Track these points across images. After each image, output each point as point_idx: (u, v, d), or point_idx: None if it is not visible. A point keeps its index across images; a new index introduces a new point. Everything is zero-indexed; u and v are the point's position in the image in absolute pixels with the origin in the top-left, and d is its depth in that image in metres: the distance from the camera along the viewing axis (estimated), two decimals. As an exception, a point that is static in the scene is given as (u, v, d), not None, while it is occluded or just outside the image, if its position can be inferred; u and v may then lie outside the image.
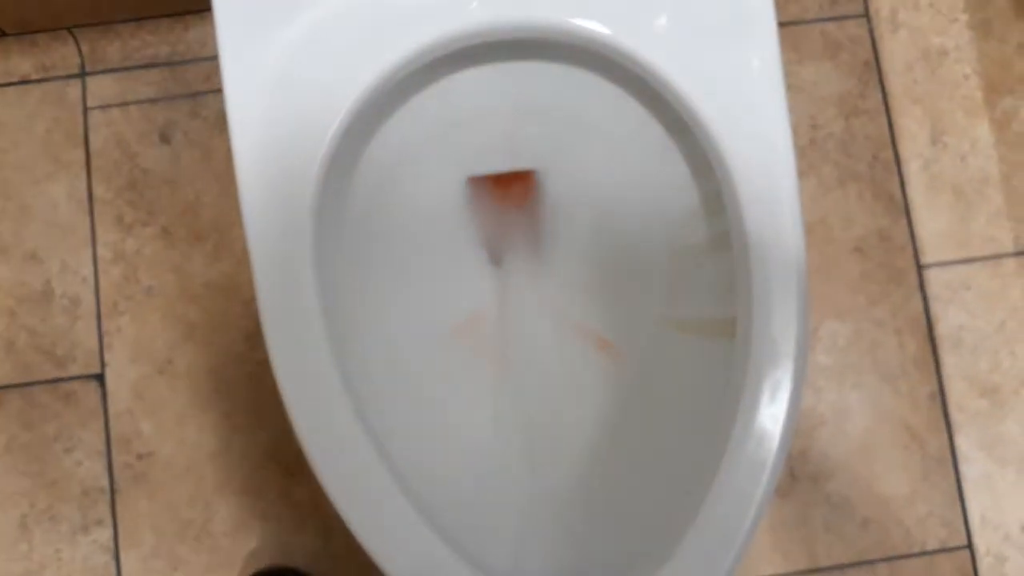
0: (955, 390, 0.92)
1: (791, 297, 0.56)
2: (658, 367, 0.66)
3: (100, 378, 0.90)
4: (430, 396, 0.67)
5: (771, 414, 0.55)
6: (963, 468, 0.91)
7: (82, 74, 0.95)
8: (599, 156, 0.69)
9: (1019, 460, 0.91)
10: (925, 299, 0.93)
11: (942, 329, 0.92)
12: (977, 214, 0.94)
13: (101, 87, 0.94)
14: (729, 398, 0.56)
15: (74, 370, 0.90)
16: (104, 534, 0.88)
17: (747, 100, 0.59)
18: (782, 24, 0.95)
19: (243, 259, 0.91)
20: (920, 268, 0.93)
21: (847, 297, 0.92)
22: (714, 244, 0.64)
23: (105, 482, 0.89)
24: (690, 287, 0.66)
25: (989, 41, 0.97)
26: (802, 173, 0.94)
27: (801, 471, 0.90)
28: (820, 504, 0.90)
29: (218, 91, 0.94)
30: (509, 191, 0.71)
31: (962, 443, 0.91)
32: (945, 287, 0.93)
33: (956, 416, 0.91)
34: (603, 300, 0.70)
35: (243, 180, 0.57)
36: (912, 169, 0.95)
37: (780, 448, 0.54)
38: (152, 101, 0.94)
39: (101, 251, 0.92)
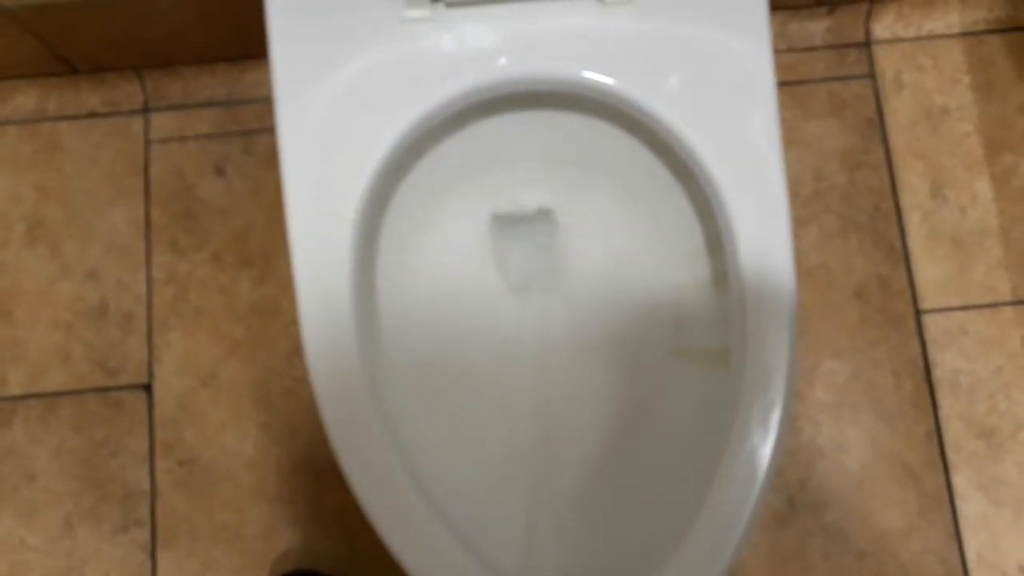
0: (952, 431, 0.95)
1: (783, 330, 0.61)
2: (662, 390, 0.71)
3: (148, 388, 0.96)
4: (453, 409, 0.73)
5: (761, 435, 0.60)
6: (960, 506, 0.93)
7: (145, 110, 1.02)
8: (613, 198, 0.75)
9: (1017, 502, 0.93)
10: (923, 343, 0.97)
11: (939, 372, 0.96)
12: (976, 264, 0.98)
13: (162, 122, 1.02)
14: (724, 420, 0.61)
15: (124, 380, 0.96)
16: (143, 534, 0.93)
17: (747, 152, 0.64)
18: (791, 83, 1.02)
19: (286, 284, 0.97)
20: (918, 313, 0.97)
21: (846, 339, 0.96)
22: (715, 280, 0.70)
23: (147, 486, 0.94)
24: (693, 319, 0.72)
25: (991, 101, 1.02)
26: (805, 222, 0.99)
27: (800, 501, 0.94)
28: (818, 534, 0.93)
29: (269, 130, 1.00)
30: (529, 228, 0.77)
31: (959, 482, 0.94)
32: (943, 332, 0.97)
33: (953, 456, 0.94)
34: (615, 327, 0.75)
35: (291, 214, 0.63)
36: (912, 220, 0.99)
37: (769, 465, 0.59)
38: (209, 137, 1.01)
39: (155, 272, 0.99)
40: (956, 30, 1.03)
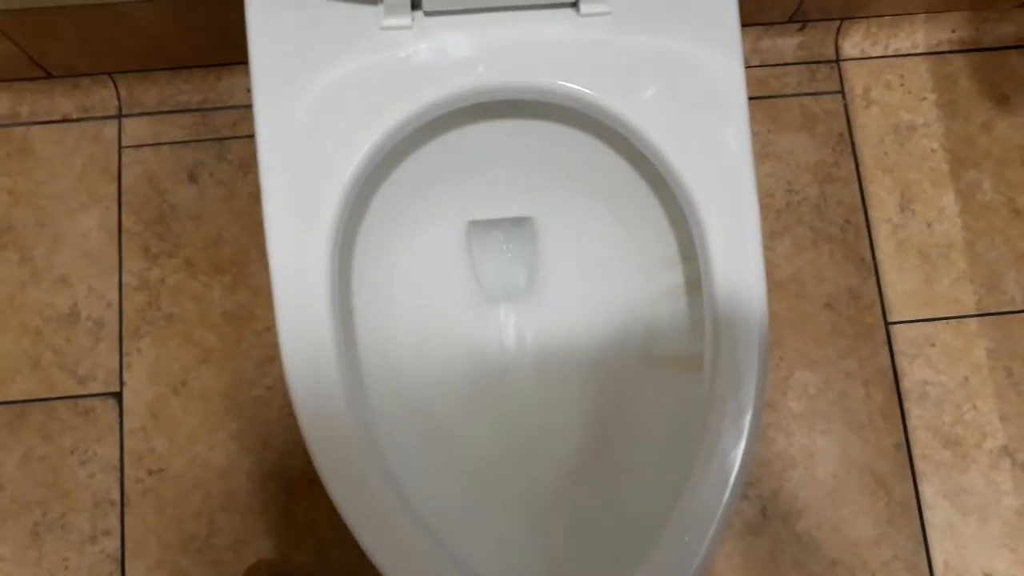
0: (920, 440, 0.97)
1: (753, 336, 0.62)
2: (637, 397, 0.72)
3: (118, 396, 0.95)
4: (430, 418, 0.73)
5: (733, 439, 0.60)
6: (927, 515, 0.95)
7: (119, 115, 1.02)
8: (589, 206, 0.76)
9: (981, 510, 0.95)
10: (892, 354, 0.98)
11: (908, 382, 0.98)
12: (942, 277, 1.01)
13: (136, 128, 1.01)
14: (697, 422, 0.62)
15: (94, 388, 0.95)
16: (111, 544, 0.92)
17: (720, 164, 0.65)
18: (764, 98, 1.04)
19: (259, 291, 0.97)
20: (887, 325, 0.99)
21: (817, 349, 0.98)
22: (689, 289, 0.71)
23: (116, 495, 0.93)
24: (667, 327, 0.72)
25: (956, 119, 1.05)
26: (777, 233, 1.01)
27: (772, 510, 0.95)
28: (790, 543, 0.94)
29: (244, 137, 1.01)
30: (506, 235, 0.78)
31: (926, 491, 0.96)
32: (911, 343, 0.99)
33: (920, 465, 0.96)
34: (591, 335, 0.76)
35: (269, 220, 0.62)
36: (881, 233, 1.01)
37: (740, 469, 0.60)
38: (183, 143, 1.01)
39: (127, 278, 0.98)
40: (921, 49, 1.06)
